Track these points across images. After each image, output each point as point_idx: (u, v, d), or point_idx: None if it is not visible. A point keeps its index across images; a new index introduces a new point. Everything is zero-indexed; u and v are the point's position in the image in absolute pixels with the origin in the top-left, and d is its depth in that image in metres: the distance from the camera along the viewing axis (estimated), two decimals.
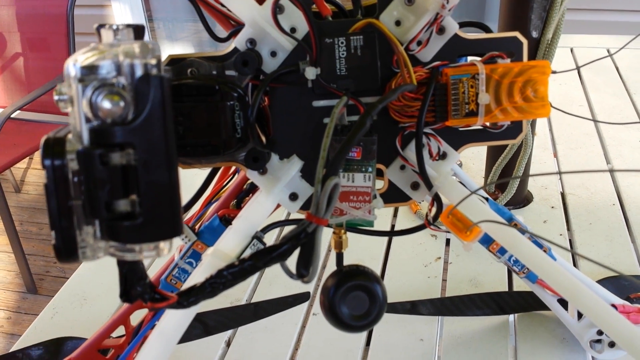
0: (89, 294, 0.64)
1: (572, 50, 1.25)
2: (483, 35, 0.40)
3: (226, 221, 0.45)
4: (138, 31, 0.29)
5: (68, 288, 0.65)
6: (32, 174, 2.31)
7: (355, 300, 0.36)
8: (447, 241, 0.69)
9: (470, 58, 0.40)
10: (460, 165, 0.83)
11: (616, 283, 0.54)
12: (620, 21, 1.97)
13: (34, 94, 1.66)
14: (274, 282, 0.63)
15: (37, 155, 2.36)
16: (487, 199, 0.43)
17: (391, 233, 0.65)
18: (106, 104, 0.26)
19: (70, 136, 0.27)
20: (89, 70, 0.26)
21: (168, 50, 2.87)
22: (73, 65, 0.26)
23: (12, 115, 1.63)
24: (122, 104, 0.26)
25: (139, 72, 0.26)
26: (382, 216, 0.73)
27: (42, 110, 1.80)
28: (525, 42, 0.39)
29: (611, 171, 0.77)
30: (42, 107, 1.77)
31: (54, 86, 1.66)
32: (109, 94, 0.26)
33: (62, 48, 1.75)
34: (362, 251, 0.67)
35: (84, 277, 0.67)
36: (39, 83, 1.77)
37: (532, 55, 0.59)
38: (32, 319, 0.61)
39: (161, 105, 0.26)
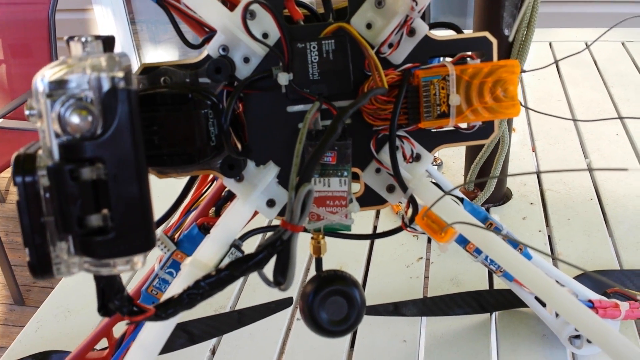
0: (72, 306, 0.64)
1: (550, 44, 1.26)
2: (453, 35, 0.40)
3: (205, 229, 0.45)
4: (108, 43, 0.29)
5: (52, 300, 0.65)
6: None
7: (334, 305, 0.36)
8: (429, 239, 0.69)
9: (442, 59, 0.41)
10: (441, 164, 0.83)
11: (594, 278, 0.55)
12: (599, 12, 1.99)
13: (17, 102, 1.64)
14: (257, 288, 0.63)
15: None
16: (462, 200, 0.43)
17: (370, 236, 0.66)
18: (74, 119, 0.26)
19: (40, 152, 0.27)
20: (57, 85, 0.26)
21: (152, 52, 2.85)
22: (41, 80, 0.26)
23: None
24: (90, 118, 0.26)
25: (106, 85, 0.26)
26: (365, 218, 0.73)
27: (25, 118, 1.78)
28: (495, 41, 0.39)
29: (589, 170, 0.78)
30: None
31: None
32: (77, 108, 0.26)
33: (45, 53, 1.74)
34: (345, 254, 0.67)
35: (67, 290, 0.66)
36: (21, 90, 1.76)
37: (507, 53, 0.59)
38: (20, 331, 0.61)
39: (129, 118, 0.26)
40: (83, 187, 0.26)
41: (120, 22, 2.50)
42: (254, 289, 0.63)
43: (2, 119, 1.65)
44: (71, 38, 0.29)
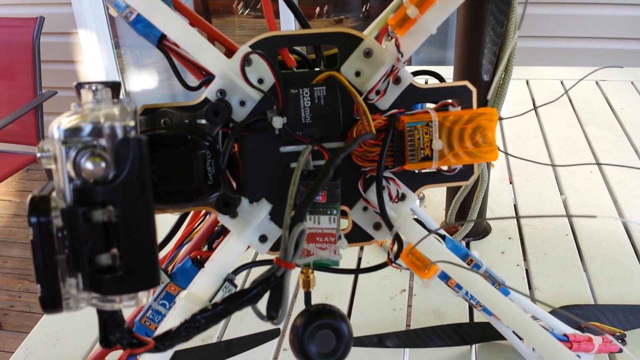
0: (61, 334, 0.65)
1: (527, 82, 1.31)
2: (436, 84, 0.43)
3: (198, 263, 0.46)
4: (115, 89, 0.31)
5: (40, 328, 0.66)
6: None
7: (323, 338, 0.38)
8: (412, 272, 0.71)
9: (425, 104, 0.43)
10: (423, 197, 0.86)
11: (569, 313, 0.57)
12: (574, 48, 2.06)
13: (0, 124, 1.65)
14: (245, 318, 0.65)
15: (2, 186, 2.33)
16: (444, 237, 0.45)
17: (356, 271, 0.68)
18: (89, 165, 0.28)
19: (54, 194, 0.28)
20: (72, 133, 0.28)
21: (136, 77, 2.87)
22: (57, 128, 0.28)
23: None
24: (103, 164, 0.28)
25: (119, 134, 0.28)
26: (349, 249, 0.75)
27: (8, 140, 1.78)
28: (474, 90, 0.42)
29: (568, 217, 0.81)
30: (8, 136, 1.75)
31: (19, 115, 1.66)
32: (91, 155, 0.28)
33: (28, 76, 1.75)
34: (330, 286, 0.69)
35: (56, 317, 0.67)
36: (4, 112, 1.76)
37: (485, 97, 0.63)
38: None
39: (140, 165, 0.28)
40: (94, 228, 0.28)
41: (105, 46, 2.52)
42: (240, 319, 0.65)
43: None
44: (81, 85, 0.31)
